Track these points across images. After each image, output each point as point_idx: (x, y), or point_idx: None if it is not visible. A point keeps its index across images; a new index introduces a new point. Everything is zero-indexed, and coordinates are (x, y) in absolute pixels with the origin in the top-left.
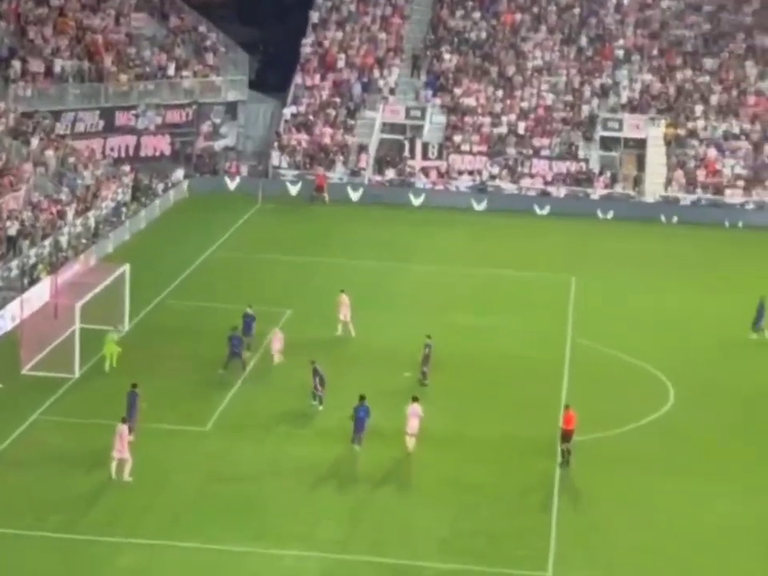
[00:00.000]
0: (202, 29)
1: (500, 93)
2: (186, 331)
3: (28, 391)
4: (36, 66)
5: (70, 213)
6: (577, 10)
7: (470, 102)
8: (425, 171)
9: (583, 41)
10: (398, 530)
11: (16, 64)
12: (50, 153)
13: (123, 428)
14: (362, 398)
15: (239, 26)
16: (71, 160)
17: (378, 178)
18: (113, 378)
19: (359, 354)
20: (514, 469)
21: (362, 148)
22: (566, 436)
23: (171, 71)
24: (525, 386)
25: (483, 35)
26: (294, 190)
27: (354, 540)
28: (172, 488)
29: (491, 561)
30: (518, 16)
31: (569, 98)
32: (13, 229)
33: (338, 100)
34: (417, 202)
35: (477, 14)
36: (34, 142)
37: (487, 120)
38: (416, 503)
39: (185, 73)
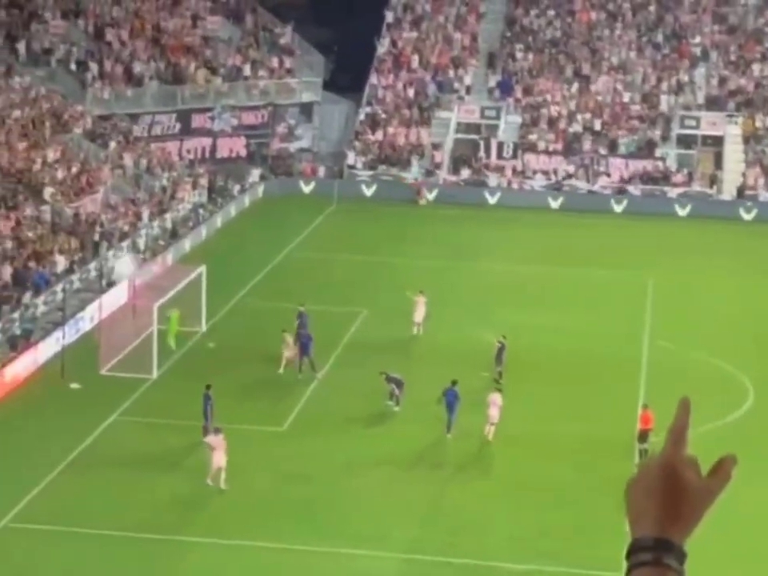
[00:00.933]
0: (277, 30)
1: (575, 91)
2: (262, 331)
3: (106, 392)
4: (113, 68)
5: (147, 214)
6: (653, 8)
7: (545, 100)
8: (500, 170)
9: (659, 38)
10: (472, 529)
11: (93, 66)
12: (127, 155)
13: (214, 438)
14: (453, 382)
15: (313, 27)
16: (148, 162)
17: (453, 177)
18: (190, 379)
19: (434, 354)
20: (590, 468)
21: (437, 148)
22: (644, 436)
23: (247, 73)
24: (601, 385)
25: (558, 33)
26: (368, 190)
27: (428, 540)
28: (247, 487)
29: (567, 561)
30: (594, 14)
31: (645, 95)
32: (97, 234)
33: (412, 100)
34: (492, 201)
35: (551, 12)
36: (112, 144)
37: (563, 119)
38: (491, 503)
39: (260, 74)
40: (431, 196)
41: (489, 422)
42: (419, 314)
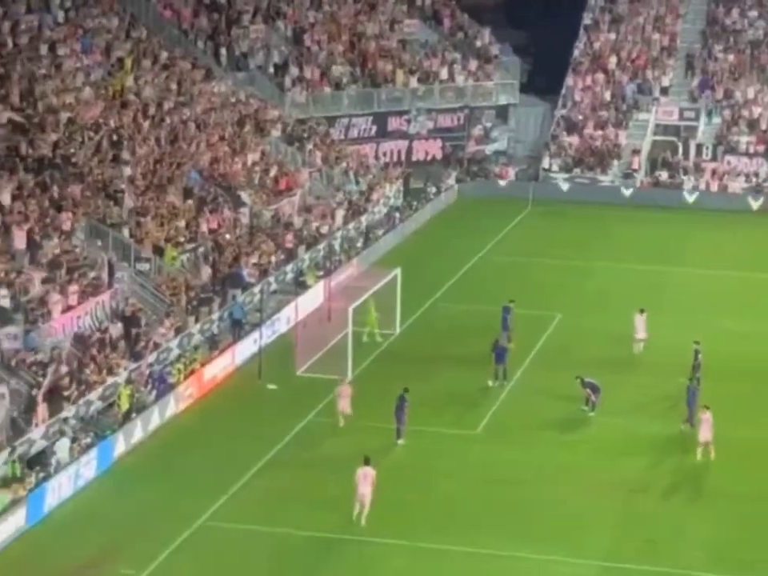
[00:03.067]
0: (474, 33)
1: None
2: (457, 334)
3: (303, 393)
4: (311, 72)
5: (343, 216)
6: None
7: (746, 101)
8: (699, 172)
9: None
10: (669, 537)
11: (293, 70)
12: (324, 158)
13: (366, 470)
14: (697, 379)
15: (509, 29)
16: (345, 165)
17: (651, 179)
18: (384, 381)
19: (630, 360)
20: None
21: (635, 150)
22: None
23: (443, 76)
24: None
25: (760, 33)
26: (564, 193)
27: (623, 547)
28: (442, 490)
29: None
30: None
31: None
32: (292, 242)
33: (610, 102)
34: (690, 202)
35: (754, 13)
36: (309, 147)
37: (764, 120)
38: (688, 510)
39: (456, 77)
40: (629, 197)
41: (701, 441)
42: (641, 331)
